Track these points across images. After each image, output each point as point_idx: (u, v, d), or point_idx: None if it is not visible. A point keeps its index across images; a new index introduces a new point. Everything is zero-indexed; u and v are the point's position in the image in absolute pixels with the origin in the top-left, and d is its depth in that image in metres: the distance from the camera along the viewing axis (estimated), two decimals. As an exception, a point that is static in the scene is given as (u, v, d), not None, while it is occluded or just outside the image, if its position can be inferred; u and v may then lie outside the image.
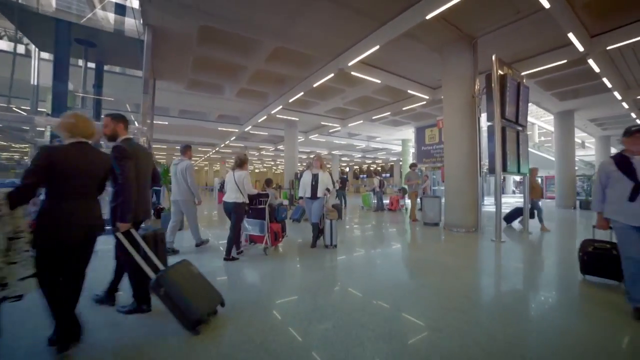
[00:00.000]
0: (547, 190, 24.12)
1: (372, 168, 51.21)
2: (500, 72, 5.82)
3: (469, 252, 5.10)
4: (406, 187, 8.52)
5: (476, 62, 6.95)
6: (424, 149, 17.13)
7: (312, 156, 7.13)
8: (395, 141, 22.33)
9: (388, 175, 43.08)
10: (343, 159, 34.81)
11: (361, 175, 47.42)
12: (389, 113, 13.11)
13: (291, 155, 15.91)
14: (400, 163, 23.92)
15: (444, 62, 7.36)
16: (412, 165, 9.06)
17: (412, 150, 20.41)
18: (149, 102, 6.41)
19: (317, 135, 18.83)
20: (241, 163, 4.45)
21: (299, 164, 38.68)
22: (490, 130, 5.90)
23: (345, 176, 15.81)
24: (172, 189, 4.74)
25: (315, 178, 5.12)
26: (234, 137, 19.97)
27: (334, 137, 20.88)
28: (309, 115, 14.13)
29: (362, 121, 14.50)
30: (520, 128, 6.41)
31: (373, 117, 13.76)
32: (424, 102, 11.31)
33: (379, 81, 8.97)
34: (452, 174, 7.12)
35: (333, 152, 28.84)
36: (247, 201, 4.43)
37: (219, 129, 16.75)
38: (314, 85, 9.30)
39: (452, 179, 7.12)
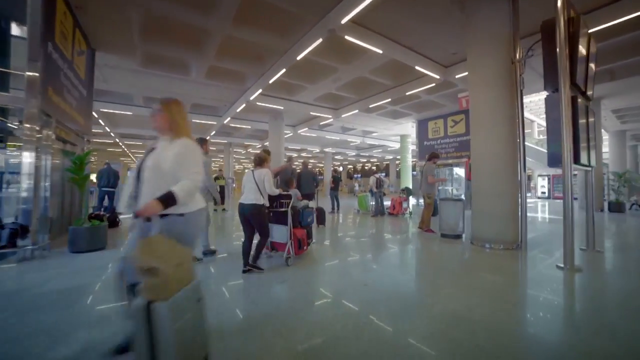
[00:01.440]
0: (555, 190, 22.70)
1: (367, 167, 49.49)
2: (565, 16, 3.89)
3: (535, 295, 3.13)
4: (425, 187, 6.47)
5: (516, 14, 5.05)
6: (427, 144, 15.34)
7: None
8: (393, 137, 20.45)
9: (383, 174, 41.31)
10: (336, 157, 32.85)
11: (355, 175, 45.53)
12: (388, 100, 11.16)
13: (277, 152, 13.85)
14: (397, 162, 22.14)
15: (470, 19, 5.45)
16: (432, 157, 6.76)
17: (411, 147, 18.60)
18: (40, 76, 4.25)
19: (306, 129, 16.80)
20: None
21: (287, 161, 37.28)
22: (552, 102, 3.98)
23: (338, 175, 13.83)
24: None
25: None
26: (213, 132, 17.83)
27: (326, 133, 18.90)
28: (295, 103, 12.12)
29: (357, 111, 12.53)
30: (588, 103, 4.51)
31: (370, 106, 11.79)
32: (432, 85, 9.40)
33: (380, 51, 6.99)
34: (483, 169, 5.21)
35: (325, 150, 26.85)
36: (267, 203, 3.87)
37: (195, 120, 14.61)
38: (298, 58, 7.32)
39: (482, 176, 5.21)
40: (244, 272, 3.62)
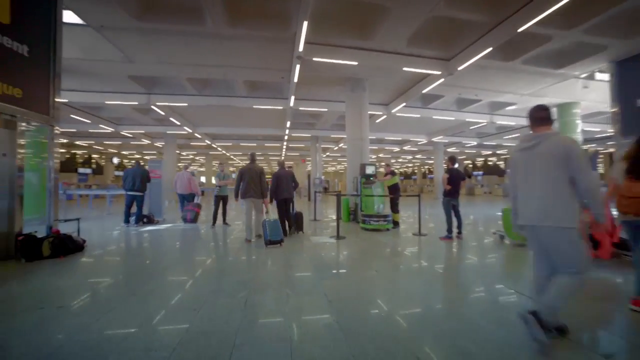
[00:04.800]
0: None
1: (490, 162, 39.04)
2: None
3: None
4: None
5: None
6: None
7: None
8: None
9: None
10: (449, 149, 25.65)
11: (475, 173, 36.20)
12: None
13: (357, 137, 9.46)
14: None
15: None
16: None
17: (579, 122, 11.21)
18: None
19: (403, 106, 11.74)
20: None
21: (375, 158, 31.00)
22: None
23: (460, 169, 8.01)
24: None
25: None
26: (288, 123, 14.81)
27: (435, 111, 13.29)
28: (376, 55, 7.46)
29: (487, 53, 6.88)
30: None
31: (518, 30, 6.04)
32: None
33: None
34: None
35: (434, 140, 20.64)
36: None
37: (254, 106, 11.76)
38: None
39: None
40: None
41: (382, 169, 8.02)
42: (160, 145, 21.48)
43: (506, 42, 6.59)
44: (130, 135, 19.11)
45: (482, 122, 15.06)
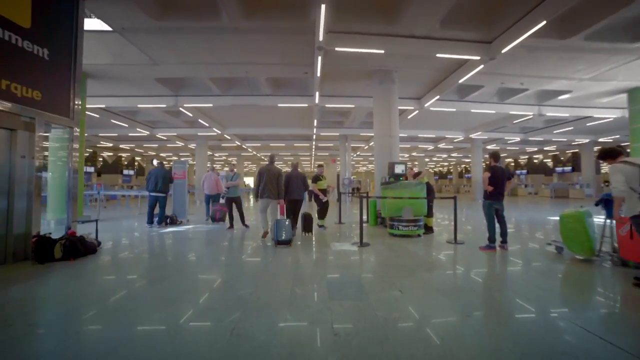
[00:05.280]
0: None
1: (535, 160, 35.60)
2: None
3: None
4: None
5: None
6: None
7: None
8: (606, 98, 11.25)
9: (571, 169, 27.99)
10: (489, 146, 23.62)
11: (518, 172, 33.26)
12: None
13: (386, 134, 8.76)
14: (596, 147, 12.53)
15: None
16: None
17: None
18: None
19: (437, 99, 10.78)
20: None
21: (407, 157, 29.35)
22: None
23: (504, 165, 6.96)
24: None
25: None
26: (315, 121, 14.39)
27: (472, 104, 12.10)
28: (402, 42, 6.73)
29: (541, 27, 5.86)
30: None
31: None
32: None
33: None
34: None
35: (472, 136, 19.08)
36: None
37: (279, 105, 11.46)
38: None
39: None
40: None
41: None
42: (193, 147, 22.20)
43: (564, 14, 5.55)
44: (165, 138, 19.90)
45: (528, 115, 13.51)
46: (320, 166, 7.52)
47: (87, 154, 28.26)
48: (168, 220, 8.13)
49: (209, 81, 9.94)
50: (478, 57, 7.10)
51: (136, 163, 35.30)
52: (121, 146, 24.29)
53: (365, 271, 3.94)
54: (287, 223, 5.26)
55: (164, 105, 11.43)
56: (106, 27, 6.55)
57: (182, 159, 12.58)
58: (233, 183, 7.52)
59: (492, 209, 4.94)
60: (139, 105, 11.52)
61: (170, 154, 30.11)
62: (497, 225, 4.96)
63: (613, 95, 10.81)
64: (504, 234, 4.93)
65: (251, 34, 6.71)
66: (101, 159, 31.09)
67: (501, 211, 4.96)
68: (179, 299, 2.87)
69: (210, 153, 28.06)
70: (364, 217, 5.92)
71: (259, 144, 22.83)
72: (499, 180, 4.89)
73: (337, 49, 6.66)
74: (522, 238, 6.30)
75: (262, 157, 32.71)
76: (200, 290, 3.17)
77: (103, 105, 11.58)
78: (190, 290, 3.13)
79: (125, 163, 34.18)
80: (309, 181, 6.86)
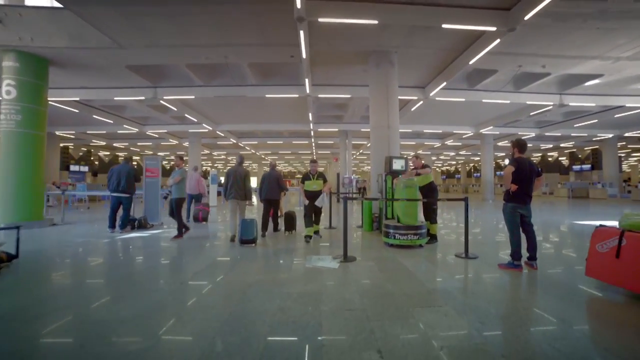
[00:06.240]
0: None
1: (550, 158, 33.73)
2: None
3: None
4: None
5: None
6: None
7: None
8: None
9: (590, 167, 26.25)
10: (500, 143, 22.05)
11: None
12: None
13: (383, 124, 7.59)
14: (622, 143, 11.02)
15: None
16: None
17: None
18: None
19: (443, 86, 9.53)
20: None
21: (411, 155, 27.84)
22: None
23: (530, 159, 5.41)
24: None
25: None
26: (310, 114, 13.24)
27: (484, 92, 10.80)
28: (406, 8, 5.54)
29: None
30: None
31: None
32: None
33: None
34: None
35: (482, 131, 17.65)
36: None
37: (267, 95, 10.35)
38: None
39: None
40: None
41: (411, 163, 5.88)
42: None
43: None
44: (156, 136, 19.02)
45: (547, 106, 12.12)
46: (313, 162, 6.19)
47: (82, 153, 27.70)
48: (136, 224, 7.12)
49: (188, 70, 8.90)
50: (494, 28, 5.83)
51: (135, 162, 34.71)
52: (115, 145, 23.54)
53: (334, 307, 2.64)
54: (251, 223, 5.23)
55: (142, 98, 10.44)
56: (56, 4, 5.59)
57: (184, 158, 11.56)
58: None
59: (516, 215, 3.72)
60: (116, 98, 10.53)
61: (168, 153, 29.34)
62: (523, 236, 3.75)
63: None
64: (532, 248, 3.71)
65: (223, 5, 5.58)
66: (100, 159, 30.56)
67: (528, 218, 3.75)
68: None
69: (208, 152, 27.15)
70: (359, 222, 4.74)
71: (256, 142, 21.80)
72: (525, 176, 3.68)
73: (320, 19, 5.52)
74: (553, 251, 5.06)
75: (262, 156, 31.71)
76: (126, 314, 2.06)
77: (77, 98, 10.65)
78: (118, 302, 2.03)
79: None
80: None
